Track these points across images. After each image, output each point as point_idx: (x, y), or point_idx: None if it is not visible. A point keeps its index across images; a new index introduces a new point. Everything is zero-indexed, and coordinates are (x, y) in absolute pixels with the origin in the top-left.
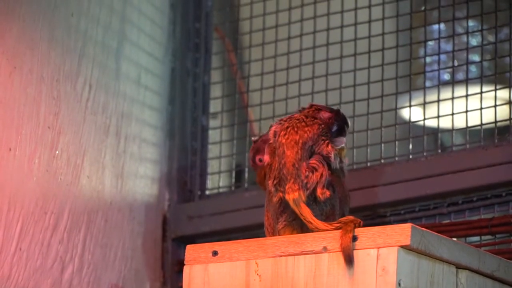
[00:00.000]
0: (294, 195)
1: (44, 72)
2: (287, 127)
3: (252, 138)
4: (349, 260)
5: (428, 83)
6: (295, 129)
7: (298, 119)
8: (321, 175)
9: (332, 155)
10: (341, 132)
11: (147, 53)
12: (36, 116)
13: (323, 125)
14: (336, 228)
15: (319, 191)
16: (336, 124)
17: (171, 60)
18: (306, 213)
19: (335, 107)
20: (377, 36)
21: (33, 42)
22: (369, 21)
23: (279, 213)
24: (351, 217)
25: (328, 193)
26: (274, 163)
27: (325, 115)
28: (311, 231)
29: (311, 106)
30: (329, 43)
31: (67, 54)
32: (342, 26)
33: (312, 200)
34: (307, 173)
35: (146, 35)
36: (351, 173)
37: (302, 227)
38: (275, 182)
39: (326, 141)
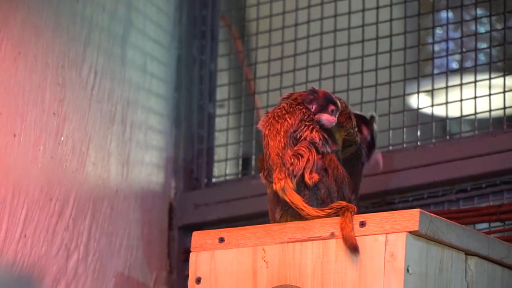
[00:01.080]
0: (281, 184)
1: (49, 58)
2: (269, 118)
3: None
4: (354, 249)
5: (436, 71)
6: (276, 118)
7: (279, 108)
8: (307, 160)
9: (318, 140)
10: (323, 110)
11: (153, 40)
12: (41, 102)
13: (304, 110)
14: (328, 214)
15: (306, 176)
16: (316, 104)
17: (177, 48)
18: (296, 200)
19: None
20: (385, 22)
21: (38, 28)
22: (377, 7)
23: (275, 203)
24: (343, 203)
25: (316, 177)
26: (264, 155)
27: (305, 98)
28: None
29: (291, 94)
30: (336, 29)
31: (72, 40)
32: (349, 12)
33: (303, 186)
34: (292, 160)
35: (152, 22)
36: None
37: (300, 215)
38: (265, 173)
39: (311, 126)
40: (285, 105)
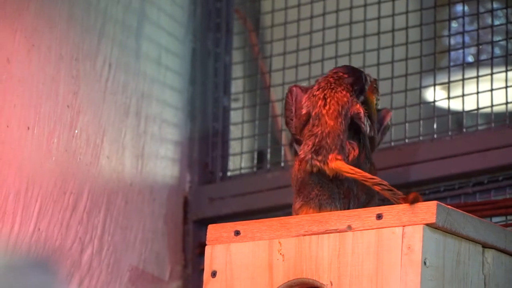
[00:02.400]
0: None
1: (63, 50)
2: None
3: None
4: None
5: (452, 64)
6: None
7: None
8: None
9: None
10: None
11: (168, 33)
12: (55, 95)
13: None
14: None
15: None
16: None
17: (191, 40)
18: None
19: None
20: (401, 14)
21: (52, 20)
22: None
23: (297, 192)
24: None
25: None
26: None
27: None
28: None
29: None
30: (352, 22)
31: (86, 32)
32: (365, 5)
33: (328, 179)
34: (349, 147)
35: (167, 15)
36: (374, 153)
37: (319, 207)
38: (310, 149)
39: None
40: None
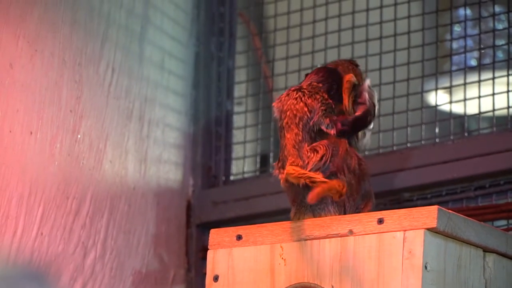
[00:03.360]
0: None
1: (66, 55)
2: None
3: None
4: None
5: (454, 68)
6: None
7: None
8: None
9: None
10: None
11: (171, 37)
12: (58, 99)
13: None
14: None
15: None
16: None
17: (195, 45)
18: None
19: None
20: (403, 19)
21: (55, 25)
22: (395, 4)
23: (291, 201)
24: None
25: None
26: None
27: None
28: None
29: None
30: (354, 26)
31: (89, 37)
32: (367, 9)
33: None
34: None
35: (170, 19)
36: (377, 157)
37: (313, 214)
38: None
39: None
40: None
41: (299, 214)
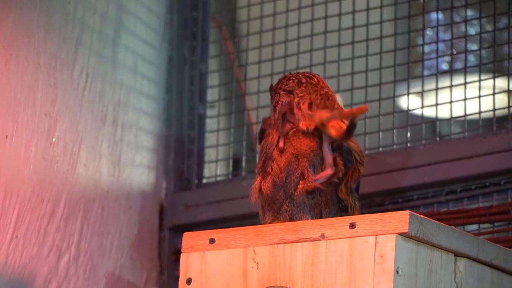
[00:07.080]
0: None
1: (41, 59)
2: None
3: None
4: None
5: (426, 72)
6: None
7: None
8: None
9: None
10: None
11: (144, 42)
12: (33, 103)
13: None
14: None
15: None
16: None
17: (168, 49)
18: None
19: None
20: (375, 24)
21: (30, 29)
22: (367, 9)
23: (266, 208)
24: None
25: None
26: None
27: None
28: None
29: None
30: (327, 31)
31: (64, 42)
32: (340, 14)
33: (297, 193)
34: None
35: (143, 24)
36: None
37: (291, 219)
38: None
39: None
40: None
41: (277, 221)
